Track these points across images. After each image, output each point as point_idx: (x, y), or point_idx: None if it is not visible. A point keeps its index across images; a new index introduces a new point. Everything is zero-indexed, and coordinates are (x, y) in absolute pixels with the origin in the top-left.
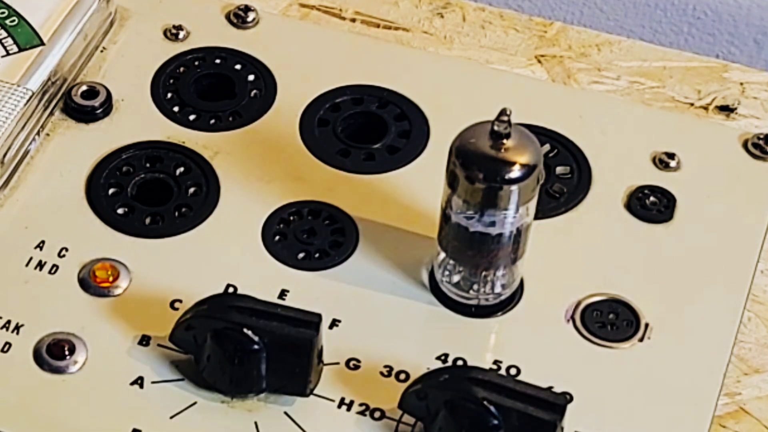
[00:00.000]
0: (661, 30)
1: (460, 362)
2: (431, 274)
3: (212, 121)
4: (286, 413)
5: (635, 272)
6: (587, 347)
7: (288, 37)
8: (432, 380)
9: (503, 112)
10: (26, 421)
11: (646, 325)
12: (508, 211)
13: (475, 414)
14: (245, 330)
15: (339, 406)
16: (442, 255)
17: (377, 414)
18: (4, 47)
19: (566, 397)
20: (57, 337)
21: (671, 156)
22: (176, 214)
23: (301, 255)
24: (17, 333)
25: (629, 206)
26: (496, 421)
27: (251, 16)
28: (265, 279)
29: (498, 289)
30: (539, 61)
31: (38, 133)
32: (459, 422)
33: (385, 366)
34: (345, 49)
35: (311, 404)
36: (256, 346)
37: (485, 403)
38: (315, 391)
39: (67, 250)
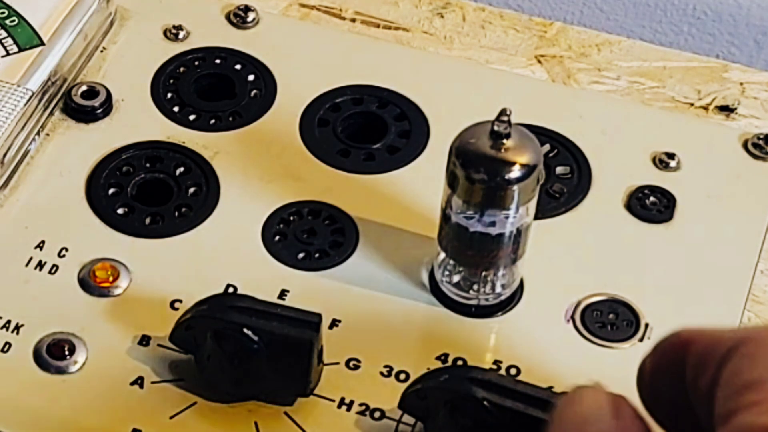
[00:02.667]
0: (661, 30)
1: (460, 362)
2: (431, 274)
3: (212, 121)
4: (286, 413)
5: (635, 272)
6: (587, 347)
7: (288, 37)
8: (432, 380)
9: (503, 112)
10: (26, 421)
11: (646, 325)
12: (508, 212)
13: (475, 414)
14: (245, 330)
15: (339, 406)
16: (442, 255)
17: (377, 414)
18: (4, 47)
19: None
20: (57, 337)
21: (671, 156)
22: (176, 214)
23: (301, 255)
24: (17, 333)
25: (629, 206)
26: (495, 421)
27: (251, 16)
28: (265, 279)
29: (498, 289)
30: (539, 61)
31: (38, 133)
32: (459, 422)
33: (385, 366)
34: (345, 49)
35: (311, 404)
36: (256, 346)
37: (485, 403)
38: (315, 391)
39: (67, 250)
